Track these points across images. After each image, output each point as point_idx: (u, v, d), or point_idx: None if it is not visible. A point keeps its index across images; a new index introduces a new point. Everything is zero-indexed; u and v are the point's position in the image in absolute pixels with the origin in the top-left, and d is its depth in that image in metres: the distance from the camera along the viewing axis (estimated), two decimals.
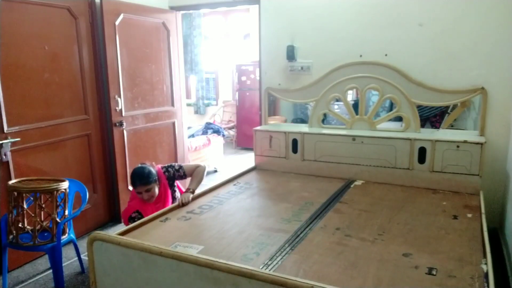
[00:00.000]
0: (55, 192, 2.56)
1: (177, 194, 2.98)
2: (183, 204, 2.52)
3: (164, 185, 2.80)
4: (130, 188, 2.88)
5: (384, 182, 3.01)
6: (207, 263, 1.50)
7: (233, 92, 7.85)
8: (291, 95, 3.60)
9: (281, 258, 1.80)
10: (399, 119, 3.31)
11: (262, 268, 1.68)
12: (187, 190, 2.68)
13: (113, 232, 1.97)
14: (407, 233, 2.09)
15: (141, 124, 3.92)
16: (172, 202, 2.83)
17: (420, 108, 3.42)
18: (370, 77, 3.19)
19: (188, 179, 2.86)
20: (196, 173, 2.80)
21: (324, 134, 3.26)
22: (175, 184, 2.94)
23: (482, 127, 2.98)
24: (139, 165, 2.76)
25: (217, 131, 6.06)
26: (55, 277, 2.63)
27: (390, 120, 3.33)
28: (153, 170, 2.72)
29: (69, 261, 3.05)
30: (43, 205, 2.59)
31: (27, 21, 2.97)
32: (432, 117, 4.02)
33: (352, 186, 2.95)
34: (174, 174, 2.83)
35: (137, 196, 2.73)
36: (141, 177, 2.63)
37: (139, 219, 2.45)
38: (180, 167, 2.85)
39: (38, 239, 2.56)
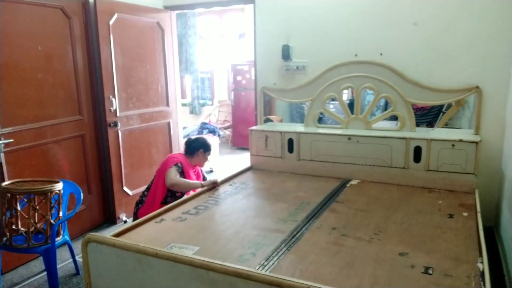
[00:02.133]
0: (49, 193, 2.54)
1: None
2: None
3: (198, 173, 3.23)
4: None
5: (380, 181, 3.01)
6: (203, 264, 1.49)
7: (228, 92, 7.84)
8: (286, 94, 3.60)
9: (277, 259, 1.79)
10: (394, 118, 3.32)
11: (258, 268, 1.67)
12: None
13: (108, 233, 1.95)
14: (403, 232, 2.09)
15: (135, 124, 3.90)
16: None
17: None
18: (365, 77, 3.20)
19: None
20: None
21: (319, 133, 3.26)
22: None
23: (477, 126, 2.99)
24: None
25: (212, 131, 6.04)
26: (50, 279, 2.60)
27: (385, 119, 3.34)
28: None
29: (64, 263, 3.02)
30: (37, 207, 2.56)
31: (20, 21, 2.94)
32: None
33: (348, 185, 2.95)
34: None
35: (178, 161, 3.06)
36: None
37: (180, 168, 2.98)
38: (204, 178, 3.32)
39: (32, 241, 2.53)
